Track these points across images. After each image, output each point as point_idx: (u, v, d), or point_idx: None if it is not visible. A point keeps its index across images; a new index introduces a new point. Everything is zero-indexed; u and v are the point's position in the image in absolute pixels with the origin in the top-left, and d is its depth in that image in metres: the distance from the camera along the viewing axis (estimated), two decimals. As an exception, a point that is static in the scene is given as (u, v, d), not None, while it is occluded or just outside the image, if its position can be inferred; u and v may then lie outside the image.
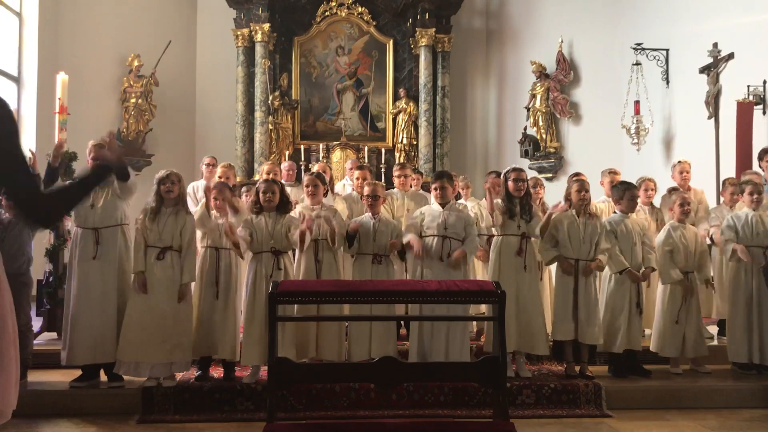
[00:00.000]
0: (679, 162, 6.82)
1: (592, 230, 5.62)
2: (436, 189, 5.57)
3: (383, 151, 11.20)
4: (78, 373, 5.23)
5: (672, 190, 6.44)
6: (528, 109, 11.34)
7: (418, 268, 5.42)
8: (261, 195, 5.38)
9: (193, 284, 5.36)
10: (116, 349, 5.12)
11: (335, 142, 11.02)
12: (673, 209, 5.86)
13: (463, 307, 5.27)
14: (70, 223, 5.74)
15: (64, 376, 5.28)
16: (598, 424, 4.84)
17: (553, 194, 6.96)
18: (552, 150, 11.12)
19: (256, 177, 10.50)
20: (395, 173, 6.97)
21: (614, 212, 5.94)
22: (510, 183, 5.62)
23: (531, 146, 11.26)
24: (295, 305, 5.04)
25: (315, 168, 7.67)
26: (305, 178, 5.76)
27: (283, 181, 6.22)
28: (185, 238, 5.23)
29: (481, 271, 6.47)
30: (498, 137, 12.07)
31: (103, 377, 5.29)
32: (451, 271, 5.31)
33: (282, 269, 5.34)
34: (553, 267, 5.91)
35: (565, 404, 5.15)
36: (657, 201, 6.91)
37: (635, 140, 9.62)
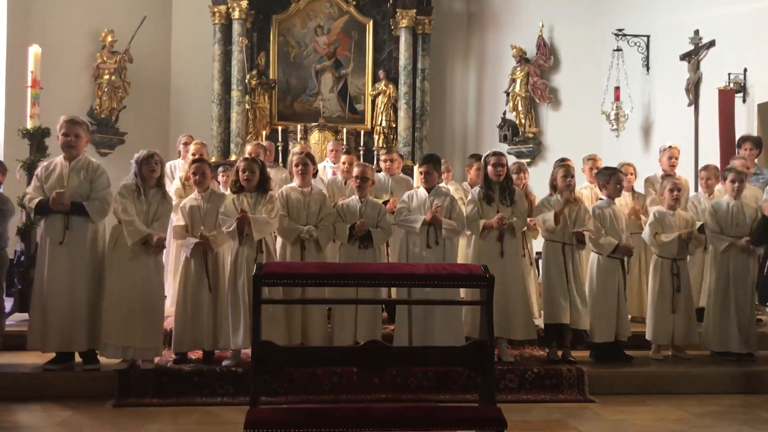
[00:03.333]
0: (669, 147, 6.80)
1: (576, 215, 5.60)
2: (422, 173, 5.49)
3: (362, 133, 11.06)
4: (52, 355, 5.08)
5: (666, 176, 6.43)
6: (507, 94, 11.29)
7: (404, 253, 5.36)
8: (240, 173, 5.25)
9: (181, 278, 5.25)
10: (87, 337, 5.00)
11: (313, 124, 10.85)
12: (664, 195, 5.84)
13: (453, 291, 5.22)
14: None
15: (37, 358, 5.13)
16: (582, 409, 4.84)
17: (531, 180, 6.91)
18: (531, 135, 11.09)
19: (233, 157, 10.33)
20: (382, 158, 6.86)
21: (599, 198, 5.92)
22: (489, 168, 5.56)
23: (510, 131, 11.21)
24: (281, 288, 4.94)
25: (295, 149, 7.50)
26: (295, 158, 5.62)
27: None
28: (163, 220, 5.14)
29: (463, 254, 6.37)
30: (477, 121, 12.00)
31: (78, 359, 5.15)
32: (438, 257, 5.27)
33: (264, 252, 5.24)
34: (538, 249, 5.88)
35: (548, 389, 5.14)
36: (636, 186, 6.92)
37: (614, 126, 9.63)
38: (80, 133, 5.12)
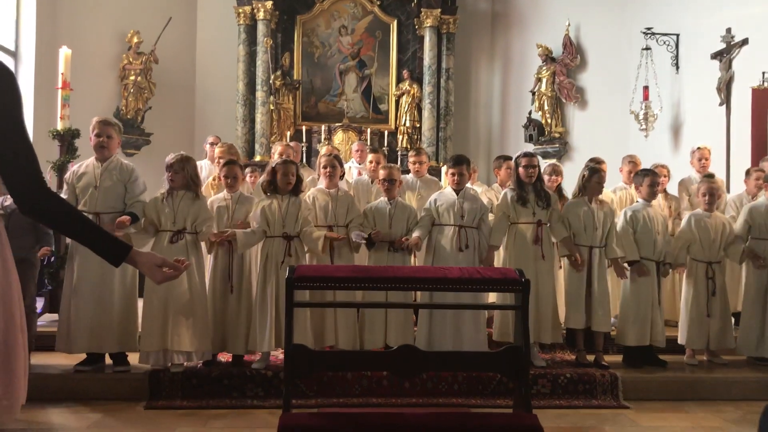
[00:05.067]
0: (699, 148, 6.69)
1: (604, 217, 5.52)
2: (453, 174, 5.43)
3: (386, 133, 11.02)
4: (82, 356, 5.09)
5: (704, 178, 6.31)
6: (533, 93, 11.19)
7: (436, 255, 5.31)
8: (280, 176, 5.20)
9: (207, 280, 5.20)
10: (117, 339, 5.00)
11: (337, 124, 10.85)
12: (699, 198, 5.74)
13: (475, 295, 5.15)
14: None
15: (68, 360, 5.14)
16: (616, 415, 4.76)
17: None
18: (557, 135, 10.98)
19: (257, 158, 10.35)
20: (411, 159, 6.79)
21: (637, 200, 5.82)
22: (521, 169, 5.50)
23: (536, 131, 11.11)
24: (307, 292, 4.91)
25: (323, 150, 7.46)
26: (323, 159, 5.57)
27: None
28: (200, 220, 5.08)
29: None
30: (502, 121, 11.91)
31: (108, 361, 5.16)
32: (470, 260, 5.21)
33: (293, 255, 5.20)
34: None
35: (581, 394, 5.06)
36: (670, 188, 6.82)
37: (643, 126, 9.48)
38: (112, 134, 5.11)
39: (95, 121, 5.12)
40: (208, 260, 5.28)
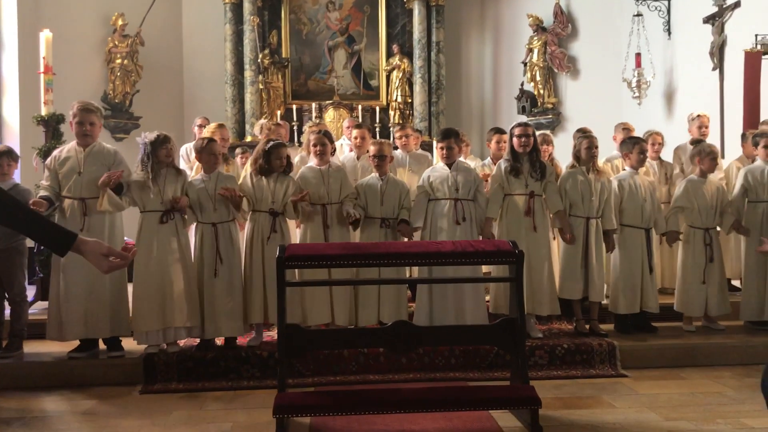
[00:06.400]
0: (699, 116, 6.64)
1: (601, 188, 5.47)
2: (442, 149, 5.36)
3: (377, 109, 10.91)
4: (76, 343, 5.05)
5: (696, 142, 6.25)
6: (525, 64, 11.10)
7: (428, 233, 5.26)
8: (274, 159, 5.14)
9: (193, 262, 5.14)
10: (110, 324, 4.97)
11: (328, 102, 10.74)
12: (702, 161, 5.65)
13: (473, 268, 5.11)
14: None
15: (61, 347, 5.11)
16: (615, 384, 4.73)
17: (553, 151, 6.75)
18: (550, 106, 10.91)
19: (248, 138, 10.25)
20: (396, 134, 6.72)
21: (624, 168, 5.77)
22: (514, 139, 5.43)
23: (528, 102, 11.03)
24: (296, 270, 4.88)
25: (307, 127, 7.33)
26: (312, 137, 5.47)
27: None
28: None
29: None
30: (494, 93, 11.80)
31: (102, 346, 5.12)
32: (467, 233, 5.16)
33: (278, 231, 5.15)
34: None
35: (579, 364, 5.04)
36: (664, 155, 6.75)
37: (636, 94, 9.42)
38: (95, 120, 5.01)
39: (76, 108, 4.99)
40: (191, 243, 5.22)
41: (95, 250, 2.13)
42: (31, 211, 2.10)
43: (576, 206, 5.45)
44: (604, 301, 5.63)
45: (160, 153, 4.97)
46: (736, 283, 6.41)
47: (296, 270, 5.00)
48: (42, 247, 5.99)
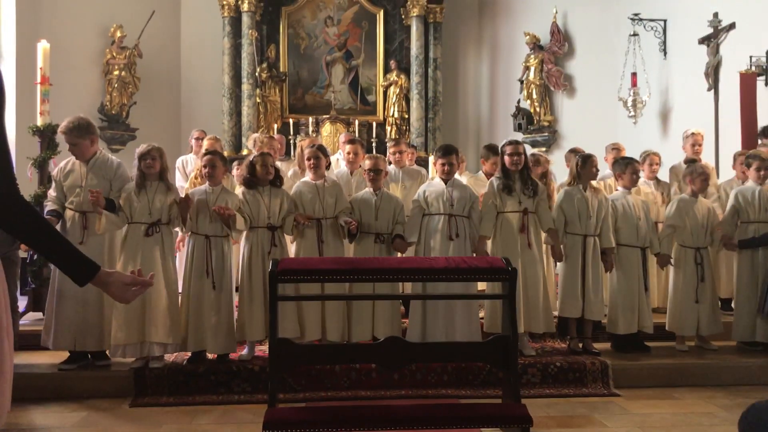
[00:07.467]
0: (693, 134, 6.66)
1: (599, 206, 5.49)
2: (444, 165, 5.36)
3: (374, 125, 10.95)
4: (66, 354, 5.03)
5: (690, 162, 6.28)
6: (521, 82, 11.15)
7: (422, 249, 5.26)
8: (259, 168, 5.15)
9: (182, 275, 5.13)
10: (96, 338, 4.94)
11: (325, 116, 10.76)
12: (693, 181, 5.68)
13: (466, 285, 5.10)
14: None
15: (51, 358, 5.08)
16: (607, 403, 4.72)
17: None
18: (546, 123, 10.95)
19: (245, 151, 10.24)
20: (390, 150, 6.73)
21: (617, 189, 5.80)
22: (506, 158, 5.45)
23: (524, 119, 11.07)
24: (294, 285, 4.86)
25: (304, 142, 7.34)
26: (306, 151, 5.48)
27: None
28: (174, 211, 5.03)
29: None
30: (491, 110, 11.86)
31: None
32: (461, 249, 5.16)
33: (278, 245, 5.15)
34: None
35: (571, 383, 5.02)
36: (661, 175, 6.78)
37: (632, 113, 9.45)
38: (75, 141, 4.94)
39: (59, 131, 5.04)
40: (180, 255, 5.20)
41: (120, 281, 2.13)
42: (55, 234, 2.09)
43: (573, 224, 5.46)
44: (604, 320, 5.60)
45: (141, 165, 4.99)
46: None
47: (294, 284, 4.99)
48: (35, 257, 5.98)
